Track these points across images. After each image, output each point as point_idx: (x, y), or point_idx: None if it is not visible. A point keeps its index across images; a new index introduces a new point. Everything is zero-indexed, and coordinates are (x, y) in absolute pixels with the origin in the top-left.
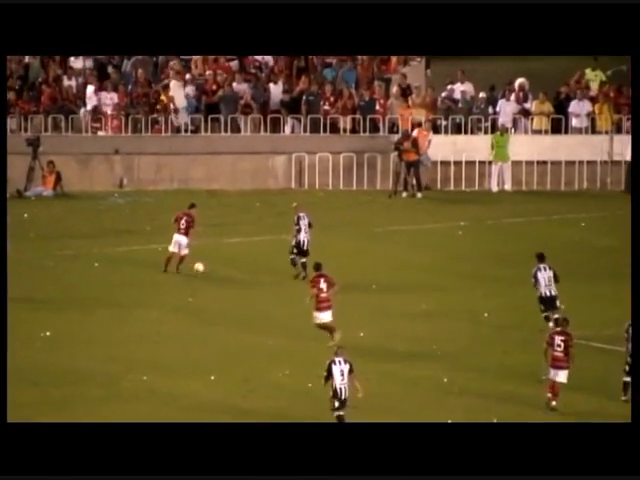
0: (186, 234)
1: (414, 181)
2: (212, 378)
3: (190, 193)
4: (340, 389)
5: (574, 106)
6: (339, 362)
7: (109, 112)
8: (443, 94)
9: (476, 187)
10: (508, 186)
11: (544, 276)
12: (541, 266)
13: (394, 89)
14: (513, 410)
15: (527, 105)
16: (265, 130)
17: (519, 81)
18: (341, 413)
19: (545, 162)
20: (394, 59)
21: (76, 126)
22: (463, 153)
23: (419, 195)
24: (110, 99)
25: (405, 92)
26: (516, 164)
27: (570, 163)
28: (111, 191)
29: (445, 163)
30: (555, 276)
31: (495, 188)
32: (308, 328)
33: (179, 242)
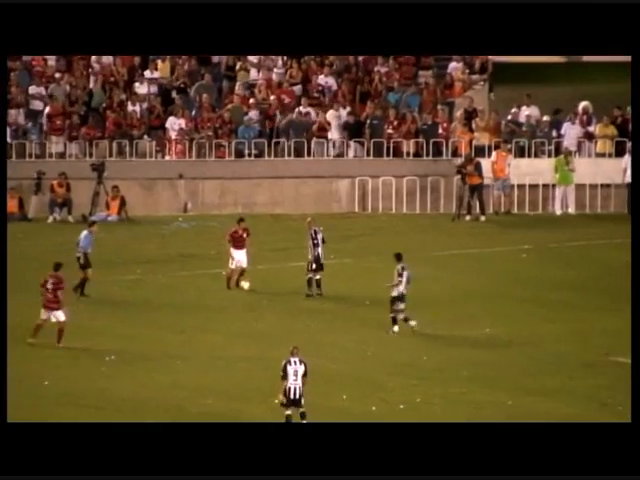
0: (241, 247)
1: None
2: (276, 402)
3: (254, 217)
4: (290, 388)
5: None
6: (294, 362)
7: (174, 137)
8: (508, 117)
9: (540, 210)
10: (572, 209)
11: (408, 275)
12: (403, 265)
13: (459, 113)
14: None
15: (591, 128)
16: (328, 154)
17: (583, 104)
18: (289, 412)
19: (609, 185)
20: (458, 84)
21: (140, 151)
22: (527, 176)
23: (482, 219)
24: (178, 124)
25: (471, 116)
26: (580, 187)
27: None
28: (175, 216)
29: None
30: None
31: (559, 211)
32: (370, 352)
33: (235, 256)
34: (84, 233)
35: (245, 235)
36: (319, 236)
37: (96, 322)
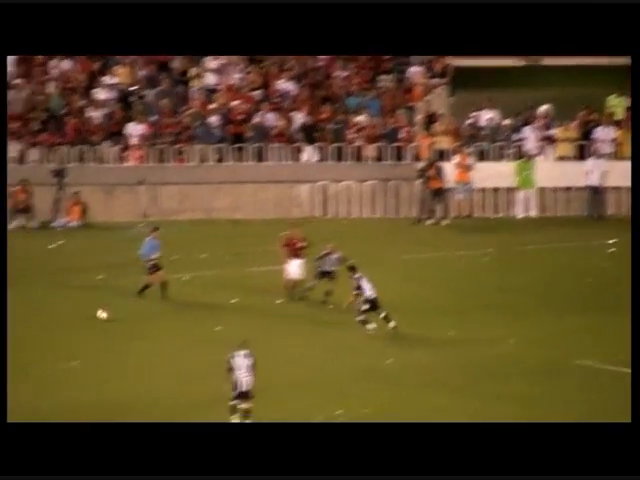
0: (298, 257)
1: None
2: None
3: (214, 223)
4: (238, 381)
5: (599, 132)
6: (241, 356)
7: (133, 143)
8: (468, 121)
9: (501, 214)
10: (533, 213)
11: (365, 281)
12: (357, 275)
13: (419, 117)
14: None
15: (551, 132)
16: (288, 159)
17: (543, 108)
18: (234, 403)
19: (570, 188)
20: (418, 88)
21: (100, 157)
22: (488, 180)
23: (444, 222)
24: (137, 130)
25: (430, 120)
26: (541, 190)
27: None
28: (135, 221)
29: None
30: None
31: (520, 215)
32: (332, 357)
33: (296, 266)
34: (146, 240)
35: (301, 246)
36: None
37: (52, 329)
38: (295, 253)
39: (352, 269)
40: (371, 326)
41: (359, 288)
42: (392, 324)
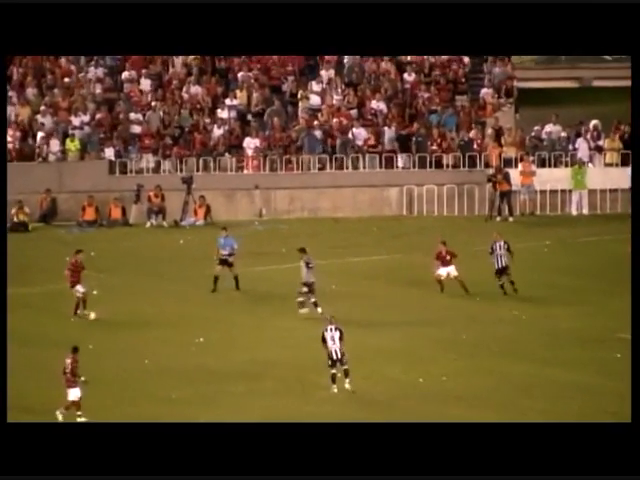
0: (447, 265)
1: (507, 207)
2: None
3: (318, 221)
4: (332, 351)
5: None
6: (330, 329)
7: (250, 154)
8: (531, 134)
9: (558, 212)
10: (586, 211)
11: (308, 267)
12: (305, 258)
13: (489, 130)
14: (593, 399)
15: (600, 142)
16: (380, 167)
17: (593, 122)
18: (333, 371)
19: (616, 190)
20: (489, 106)
21: (222, 166)
22: (547, 183)
23: (510, 219)
24: (254, 143)
25: (499, 133)
26: (592, 192)
27: None
28: (252, 220)
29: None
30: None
31: (574, 212)
32: (418, 330)
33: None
34: (217, 238)
35: (449, 257)
36: (499, 244)
37: (183, 310)
38: (445, 263)
39: (302, 251)
40: (304, 310)
41: (307, 267)
42: (320, 310)
